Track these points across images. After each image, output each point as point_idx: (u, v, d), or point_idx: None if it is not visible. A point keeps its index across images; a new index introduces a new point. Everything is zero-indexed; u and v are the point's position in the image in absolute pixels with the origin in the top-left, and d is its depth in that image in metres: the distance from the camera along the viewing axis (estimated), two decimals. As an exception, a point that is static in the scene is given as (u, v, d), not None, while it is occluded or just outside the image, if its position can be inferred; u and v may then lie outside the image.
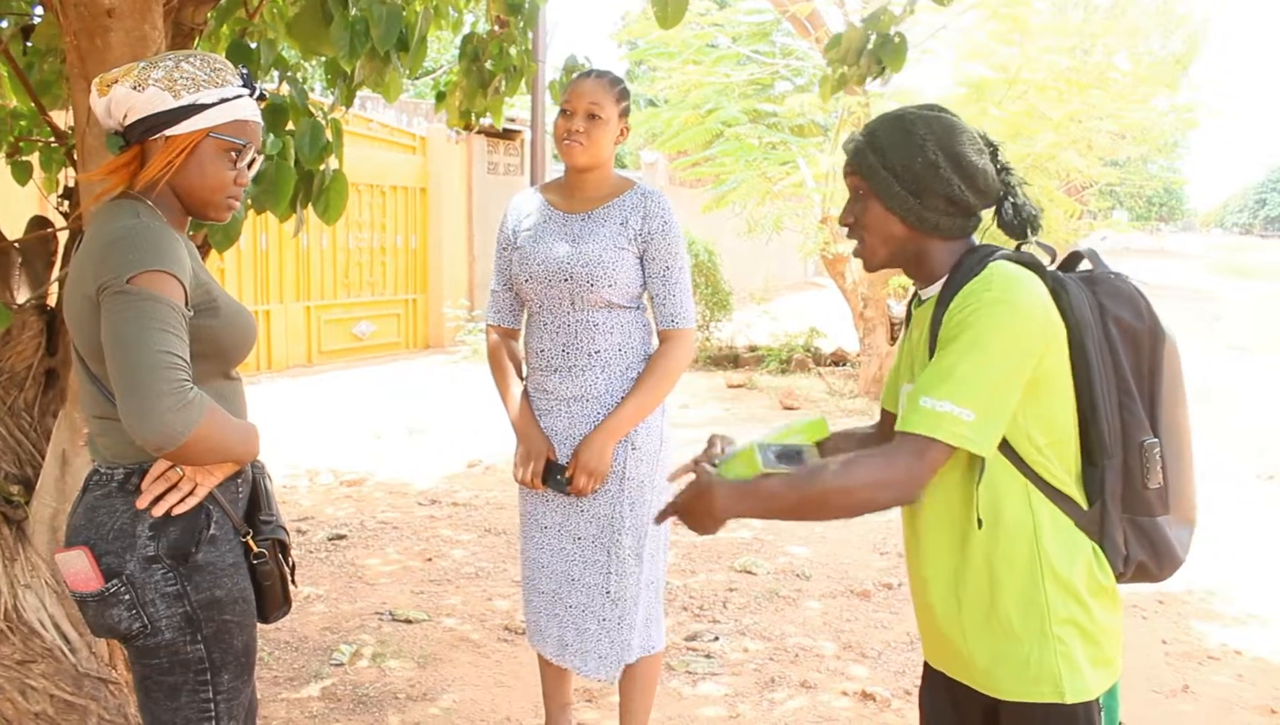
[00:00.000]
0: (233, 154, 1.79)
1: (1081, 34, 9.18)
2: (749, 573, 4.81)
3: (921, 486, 1.59)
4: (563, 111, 2.70)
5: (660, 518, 1.82)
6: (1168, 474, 1.67)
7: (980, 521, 1.64)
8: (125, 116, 1.75)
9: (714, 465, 1.79)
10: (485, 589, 4.55)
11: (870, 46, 3.70)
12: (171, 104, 1.72)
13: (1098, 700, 1.65)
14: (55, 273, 3.18)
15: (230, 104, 1.77)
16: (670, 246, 2.72)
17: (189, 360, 1.66)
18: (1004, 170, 1.74)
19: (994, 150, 1.74)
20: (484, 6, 4.09)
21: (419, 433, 7.88)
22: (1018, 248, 1.74)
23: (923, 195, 1.69)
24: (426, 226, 12.77)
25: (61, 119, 3.44)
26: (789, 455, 1.69)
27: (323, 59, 3.27)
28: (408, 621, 4.16)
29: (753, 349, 11.67)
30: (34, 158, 3.54)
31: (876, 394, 9.42)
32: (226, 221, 1.93)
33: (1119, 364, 1.64)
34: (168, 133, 1.74)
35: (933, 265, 1.74)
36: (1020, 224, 1.72)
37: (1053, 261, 1.75)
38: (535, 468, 2.72)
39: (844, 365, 11.11)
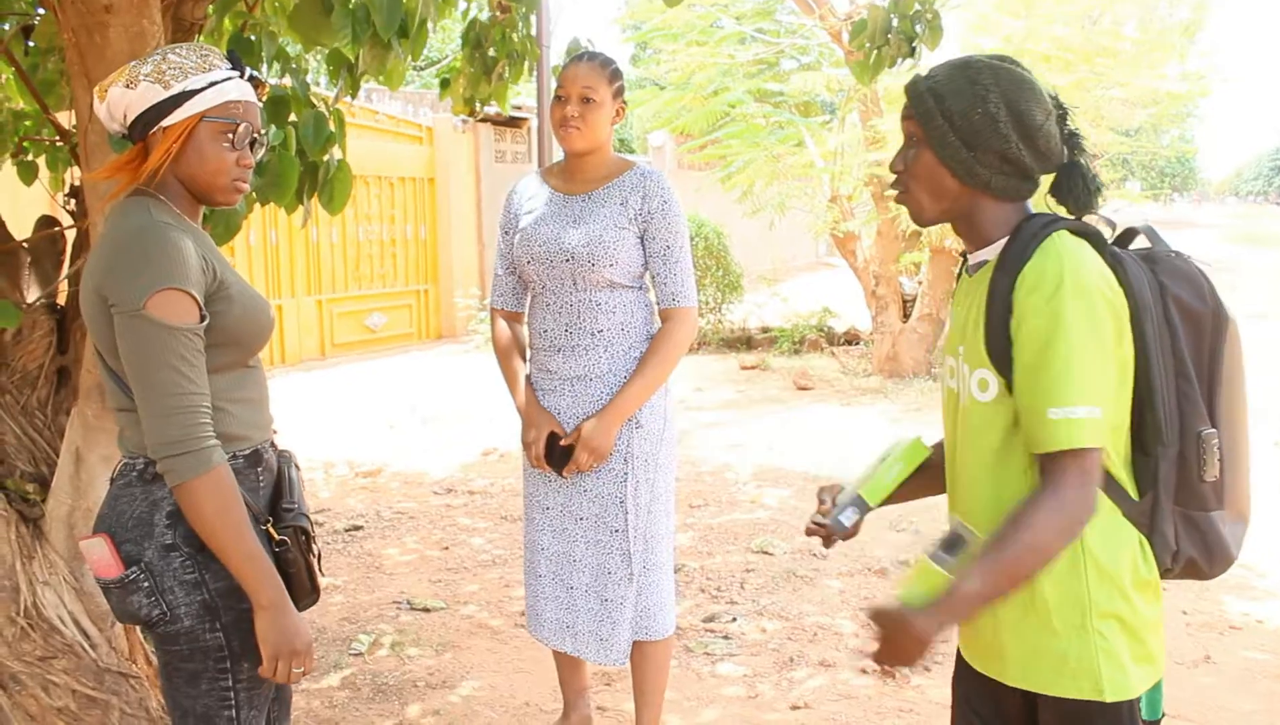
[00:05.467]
0: (229, 135, 1.78)
1: (1090, 2, 9.07)
2: (766, 553, 4.81)
3: (1095, 500, 1.51)
4: (557, 97, 2.70)
5: (878, 660, 1.66)
6: (1224, 466, 1.58)
7: None
8: (125, 116, 1.77)
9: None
10: (503, 576, 4.56)
11: (896, 25, 3.69)
12: (163, 95, 1.73)
13: (1138, 698, 1.58)
14: (64, 271, 3.19)
15: (219, 86, 1.76)
16: (670, 226, 2.72)
17: (206, 388, 1.71)
18: (1072, 136, 1.64)
19: (1063, 113, 1.64)
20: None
21: (433, 422, 7.89)
22: (1078, 219, 1.64)
23: (976, 148, 1.59)
24: (435, 216, 12.77)
25: (66, 119, 3.44)
26: (955, 543, 1.57)
27: (325, 51, 3.26)
28: (426, 610, 4.18)
29: (765, 330, 11.64)
30: (40, 158, 3.55)
31: (891, 372, 9.38)
32: (237, 204, 1.93)
33: (1178, 348, 1.56)
34: (164, 124, 1.75)
35: (984, 227, 1.65)
36: (1085, 196, 1.62)
37: (1113, 235, 1.66)
38: (537, 450, 2.73)
39: (857, 344, 11.07)
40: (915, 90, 1.65)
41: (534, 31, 4.21)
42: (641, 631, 2.83)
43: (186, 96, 1.74)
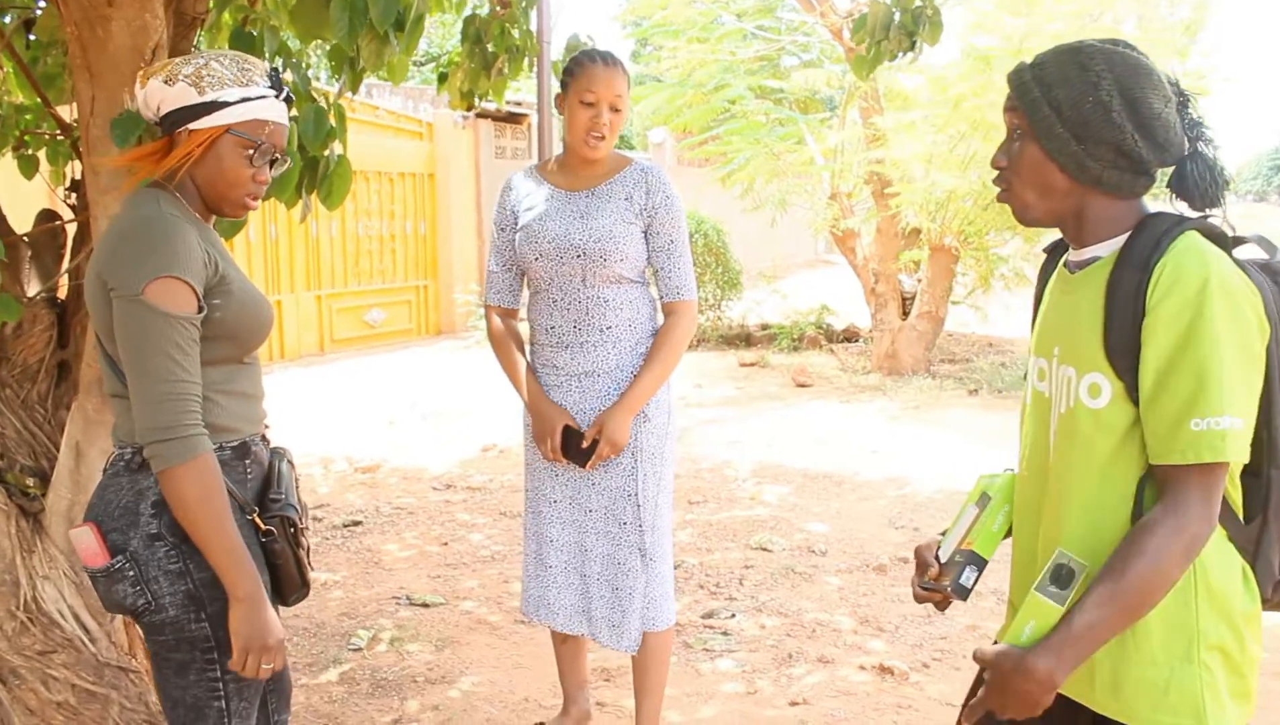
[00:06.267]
0: (250, 152, 1.82)
1: (1090, 1, 9.06)
2: (765, 550, 4.81)
3: (1216, 518, 1.41)
4: (584, 103, 2.66)
5: (998, 712, 1.49)
6: None
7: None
8: (158, 109, 1.82)
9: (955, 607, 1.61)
10: (502, 572, 4.56)
11: (898, 21, 3.71)
12: (196, 99, 1.78)
13: None
14: (65, 266, 3.18)
15: (252, 103, 1.81)
16: (673, 220, 2.76)
17: (198, 377, 1.73)
18: (1194, 125, 1.50)
19: (1183, 100, 1.51)
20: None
21: (432, 418, 7.89)
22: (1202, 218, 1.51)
23: (1087, 141, 1.46)
24: (435, 212, 12.77)
25: (67, 112, 3.43)
26: (1064, 575, 1.44)
27: (327, 46, 3.26)
28: (425, 606, 4.18)
29: (764, 327, 11.64)
30: (41, 151, 3.54)
31: (890, 369, 9.39)
32: (242, 218, 1.96)
33: None
34: (191, 126, 1.80)
35: (1095, 225, 1.52)
36: (1211, 190, 1.49)
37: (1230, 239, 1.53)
38: (554, 442, 2.73)
39: (856, 341, 11.08)
40: (1019, 79, 1.53)
41: (534, 27, 4.21)
42: (649, 622, 2.85)
43: (217, 106, 1.79)
